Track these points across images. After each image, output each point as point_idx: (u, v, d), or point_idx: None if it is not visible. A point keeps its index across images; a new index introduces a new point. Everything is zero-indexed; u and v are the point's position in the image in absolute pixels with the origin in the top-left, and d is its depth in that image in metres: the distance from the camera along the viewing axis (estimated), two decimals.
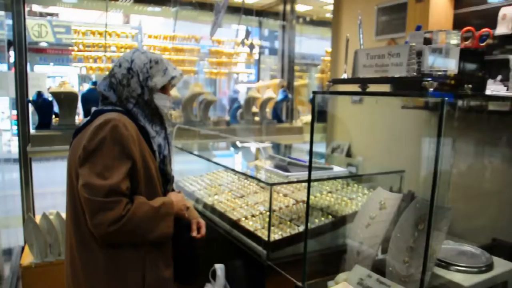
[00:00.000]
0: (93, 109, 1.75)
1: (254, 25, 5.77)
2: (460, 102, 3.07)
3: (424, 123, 3.50)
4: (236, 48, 4.84)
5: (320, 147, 4.66)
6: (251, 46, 3.05)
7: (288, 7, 5.24)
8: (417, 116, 3.48)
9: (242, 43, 3.23)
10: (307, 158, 3.09)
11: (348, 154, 4.25)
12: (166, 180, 1.85)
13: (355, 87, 1.78)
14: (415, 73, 1.43)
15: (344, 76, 1.66)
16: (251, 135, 4.41)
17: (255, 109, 4.67)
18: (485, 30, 1.47)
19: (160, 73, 1.73)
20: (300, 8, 5.37)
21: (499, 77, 2.98)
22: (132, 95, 1.70)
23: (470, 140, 3.22)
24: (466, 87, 1.43)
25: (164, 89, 1.78)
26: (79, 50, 4.41)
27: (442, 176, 3.13)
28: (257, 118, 4.61)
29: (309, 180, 1.82)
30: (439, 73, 1.39)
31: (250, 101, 4.43)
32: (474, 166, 3.10)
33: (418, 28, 1.52)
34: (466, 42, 1.52)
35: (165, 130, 1.83)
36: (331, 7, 4.58)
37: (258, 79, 5.96)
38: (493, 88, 1.84)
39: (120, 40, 4.53)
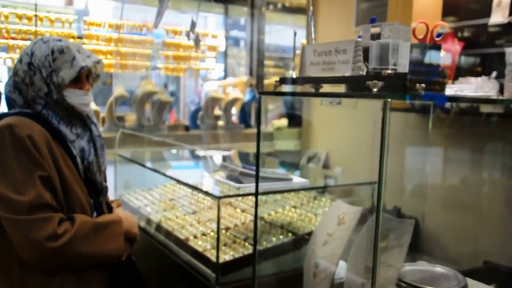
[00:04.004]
0: None
1: (219, 12, 5.90)
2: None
3: (407, 127, 3.66)
4: (202, 39, 4.93)
5: (294, 156, 4.80)
6: (196, 39, 3.16)
7: None
8: (399, 119, 3.64)
9: (187, 35, 3.33)
10: (271, 168, 3.22)
11: (326, 165, 4.39)
12: (97, 191, 1.88)
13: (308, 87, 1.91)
14: (361, 72, 1.56)
15: (292, 74, 1.78)
16: (213, 142, 4.51)
17: (218, 111, 4.78)
18: (441, 23, 1.61)
19: (67, 64, 1.71)
20: None
21: (493, 74, 3.14)
22: (39, 94, 1.72)
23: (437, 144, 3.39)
24: (418, 86, 1.56)
25: (79, 83, 1.77)
26: (4, 37, 4.30)
27: (418, 187, 3.29)
28: (221, 123, 4.72)
29: (256, 193, 1.93)
30: (388, 71, 1.52)
31: (211, 102, 4.54)
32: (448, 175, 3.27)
33: (372, 20, 1.65)
34: (420, 37, 1.66)
35: (90, 132, 1.86)
36: None
37: (225, 75, 6.05)
38: (457, 88, 1.98)
39: (55, 27, 4.52)
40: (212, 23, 6.72)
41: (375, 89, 1.45)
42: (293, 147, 4.81)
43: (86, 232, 1.66)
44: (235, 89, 4.85)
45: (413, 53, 1.58)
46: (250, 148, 4.54)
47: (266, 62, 5.62)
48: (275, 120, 5.05)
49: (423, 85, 1.57)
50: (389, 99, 1.38)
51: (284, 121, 5.15)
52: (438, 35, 1.65)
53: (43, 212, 1.58)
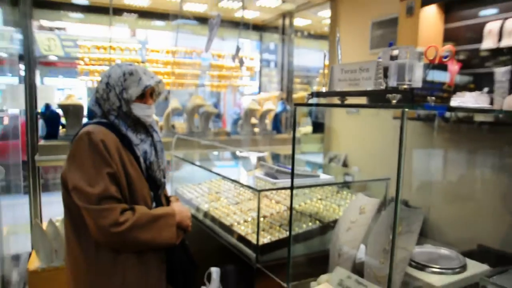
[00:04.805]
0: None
1: (255, 38, 5.95)
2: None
3: (414, 133, 3.62)
4: (245, 61, 5.00)
5: (317, 158, 4.78)
6: (241, 62, 3.21)
7: (287, 22, 5.42)
8: (408, 126, 3.60)
9: (233, 58, 3.39)
10: (299, 166, 3.21)
11: (345, 164, 4.36)
12: (156, 186, 1.93)
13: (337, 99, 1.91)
14: (382, 87, 1.56)
15: (323, 89, 1.78)
16: (251, 145, 4.54)
17: (255, 120, 4.80)
18: (447, 47, 1.59)
19: (134, 84, 1.80)
20: (298, 22, 5.53)
21: (485, 89, 3.10)
22: (113, 107, 1.80)
23: (448, 148, 3.34)
24: (429, 99, 1.55)
25: (144, 99, 1.85)
26: (86, 64, 4.58)
27: (424, 183, 3.25)
28: (257, 129, 4.74)
29: (292, 187, 1.94)
30: (404, 86, 1.51)
31: (249, 112, 4.56)
32: (458, 173, 3.22)
33: (390, 44, 1.64)
34: (431, 58, 1.64)
35: (151, 137, 1.92)
36: (328, 21, 4.72)
37: (260, 91, 6.10)
38: (461, 100, 1.95)
39: (124, 54, 4.69)
40: (247, 47, 6.78)
41: (394, 101, 1.44)
42: (317, 150, 4.79)
43: (144, 222, 1.72)
44: (268, 102, 4.87)
45: (424, 71, 1.57)
46: (280, 150, 4.56)
47: (294, 79, 5.64)
48: (301, 127, 5.06)
49: (433, 98, 1.56)
50: (407, 109, 1.38)
51: (309, 128, 5.15)
52: (445, 57, 1.63)
53: (108, 203, 1.65)
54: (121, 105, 1.80)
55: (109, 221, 1.64)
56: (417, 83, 1.54)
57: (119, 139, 1.79)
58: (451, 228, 3.29)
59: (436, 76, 1.54)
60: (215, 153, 4.37)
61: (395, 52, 1.57)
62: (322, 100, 2.17)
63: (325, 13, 4.84)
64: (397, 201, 1.44)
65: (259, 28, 5.85)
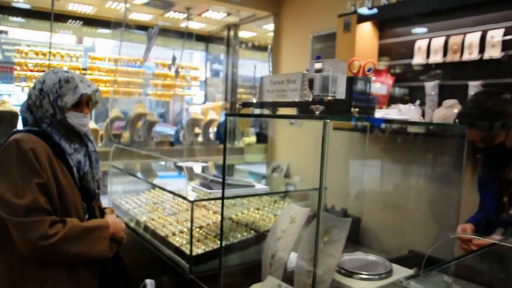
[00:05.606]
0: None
1: (201, 49, 5.96)
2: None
3: (352, 143, 3.73)
4: (181, 71, 4.97)
5: (261, 168, 4.82)
6: (177, 72, 3.21)
7: (232, 33, 5.47)
8: (345, 136, 3.72)
9: (169, 68, 3.39)
10: (241, 177, 3.22)
11: (288, 174, 4.42)
12: (90, 197, 1.86)
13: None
14: (308, 98, 1.59)
15: (253, 100, 1.79)
16: (194, 155, 4.50)
17: (198, 130, 4.77)
18: (370, 61, 1.64)
19: (70, 91, 1.74)
20: (244, 34, 5.60)
21: (417, 102, 3.25)
22: (46, 115, 1.73)
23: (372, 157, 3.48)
24: (353, 110, 1.59)
25: (80, 107, 1.79)
26: (23, 70, 4.38)
27: (361, 192, 3.35)
28: (200, 139, 4.71)
29: (222, 197, 1.93)
30: (329, 98, 1.54)
31: (192, 122, 4.53)
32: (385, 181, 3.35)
33: (318, 57, 1.68)
34: (354, 71, 1.69)
35: (86, 147, 1.85)
36: (272, 34, 4.81)
37: (205, 100, 6.08)
38: (386, 112, 2.02)
39: (65, 61, 4.53)
40: (197, 58, 6.78)
41: (317, 112, 1.47)
42: (261, 160, 4.83)
43: (75, 234, 1.65)
44: (212, 111, 4.86)
45: (348, 84, 1.61)
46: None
47: (239, 90, 5.68)
48: (245, 137, 5.09)
49: (357, 109, 1.60)
50: (328, 120, 1.41)
51: (253, 138, 5.18)
52: (369, 70, 1.68)
53: (37, 215, 1.57)
54: (55, 113, 1.73)
55: (38, 234, 1.56)
56: (341, 94, 1.58)
57: (51, 148, 1.71)
58: (385, 235, 3.41)
59: (362, 88, 1.58)
60: (162, 163, 4.30)
61: (320, 65, 1.61)
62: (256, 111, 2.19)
63: (270, 26, 4.93)
64: (319, 211, 1.47)
65: (205, 38, 5.86)
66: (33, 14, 4.57)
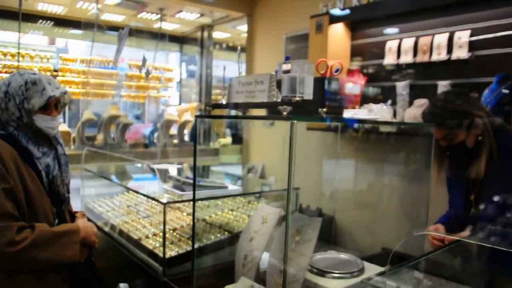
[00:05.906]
0: None
1: (175, 50, 5.92)
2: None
3: (325, 143, 3.76)
4: (155, 72, 4.93)
5: (236, 169, 4.81)
6: (147, 73, 3.19)
7: (206, 34, 5.45)
8: (319, 136, 3.75)
9: (140, 69, 3.36)
10: (216, 178, 3.21)
11: (263, 174, 4.42)
12: (59, 201, 1.83)
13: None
14: (276, 99, 1.59)
15: (222, 101, 1.79)
16: (168, 156, 4.46)
17: (173, 131, 4.74)
18: (337, 61, 1.66)
19: (37, 94, 1.70)
20: (218, 35, 5.59)
21: (389, 102, 3.29)
22: (12, 118, 1.69)
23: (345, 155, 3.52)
24: (320, 110, 1.60)
25: (48, 110, 1.75)
26: None
27: (335, 192, 3.38)
28: (175, 141, 4.68)
29: (194, 199, 1.92)
30: (296, 98, 1.55)
31: (166, 124, 4.50)
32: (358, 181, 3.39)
33: (287, 58, 1.68)
34: (322, 72, 1.71)
35: (55, 150, 1.82)
36: (246, 35, 4.81)
37: (180, 102, 6.05)
38: (355, 111, 2.05)
39: (34, 62, 4.42)
40: (173, 59, 6.72)
41: (284, 113, 1.48)
42: (236, 161, 4.83)
43: (44, 240, 1.62)
44: (187, 113, 4.83)
45: (316, 84, 1.62)
46: (199, 162, 4.52)
47: (214, 91, 5.66)
48: (221, 138, 5.07)
49: (325, 109, 1.61)
50: (295, 121, 1.42)
51: (228, 139, 5.17)
52: (336, 71, 1.70)
53: (3, 221, 1.54)
54: (22, 116, 1.70)
55: (4, 240, 1.52)
56: (309, 95, 1.59)
57: (18, 152, 1.67)
58: (359, 234, 3.45)
59: (330, 88, 1.60)
60: (137, 165, 4.25)
61: (288, 66, 1.61)
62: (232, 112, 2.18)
63: (243, 27, 4.94)
64: (288, 211, 1.47)
65: (179, 39, 5.82)
66: (0, 14, 4.44)
